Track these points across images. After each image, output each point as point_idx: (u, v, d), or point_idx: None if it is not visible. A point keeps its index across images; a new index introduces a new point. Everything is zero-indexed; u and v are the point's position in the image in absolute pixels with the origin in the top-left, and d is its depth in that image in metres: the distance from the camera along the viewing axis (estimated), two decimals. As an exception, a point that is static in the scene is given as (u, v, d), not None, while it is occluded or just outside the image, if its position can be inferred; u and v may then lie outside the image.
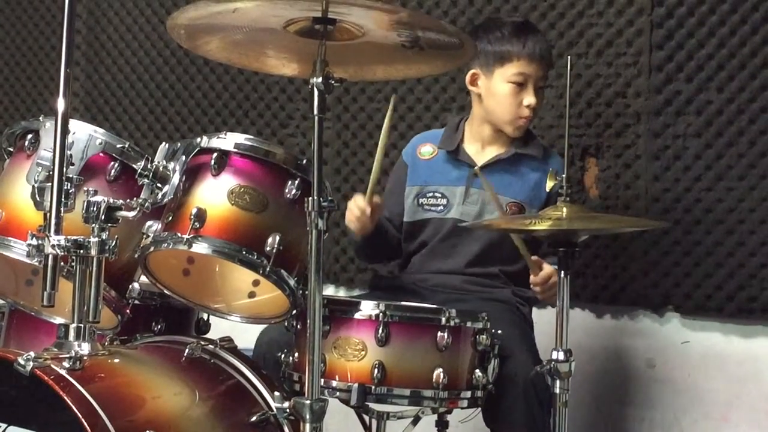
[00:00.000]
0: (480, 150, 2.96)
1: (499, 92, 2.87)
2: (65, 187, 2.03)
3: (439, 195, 2.93)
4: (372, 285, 3.10)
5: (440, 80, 3.46)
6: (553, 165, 2.90)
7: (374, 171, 2.70)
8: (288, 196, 2.25)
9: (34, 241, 2.03)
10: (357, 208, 2.74)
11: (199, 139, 2.29)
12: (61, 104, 2.03)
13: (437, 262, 2.92)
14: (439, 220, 2.92)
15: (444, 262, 2.91)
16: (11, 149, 2.39)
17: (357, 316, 2.29)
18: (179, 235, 2.20)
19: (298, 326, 2.37)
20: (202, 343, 2.35)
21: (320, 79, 2.02)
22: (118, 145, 2.29)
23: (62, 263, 2.04)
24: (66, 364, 1.95)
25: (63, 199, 2.02)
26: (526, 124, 2.89)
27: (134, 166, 2.26)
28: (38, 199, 2.08)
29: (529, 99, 2.85)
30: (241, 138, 2.28)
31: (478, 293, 2.85)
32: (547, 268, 2.65)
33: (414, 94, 3.53)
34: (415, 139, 3.12)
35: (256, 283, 2.40)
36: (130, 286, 2.35)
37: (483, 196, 2.88)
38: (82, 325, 2.08)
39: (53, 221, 2.01)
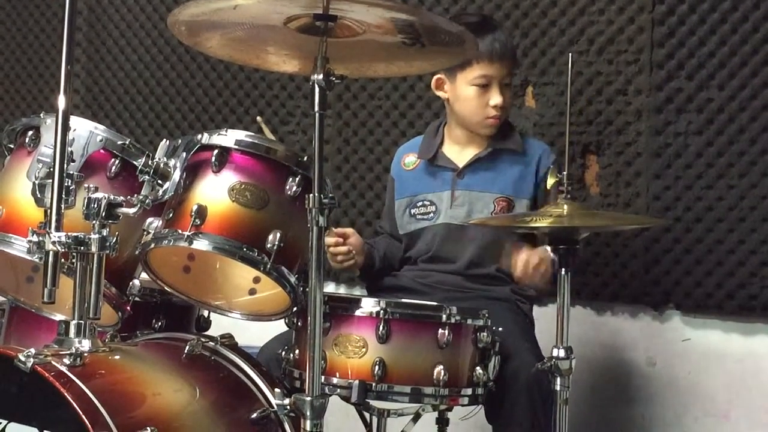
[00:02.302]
0: (460, 152, 2.95)
1: (464, 95, 2.86)
2: (66, 184, 2.03)
3: (428, 203, 2.93)
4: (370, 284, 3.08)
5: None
6: (534, 153, 2.91)
7: None
8: (289, 193, 2.25)
9: (35, 238, 2.03)
10: (328, 246, 2.75)
11: (199, 136, 2.28)
12: (62, 101, 2.03)
13: (437, 265, 2.91)
14: (432, 227, 2.92)
15: (445, 266, 2.90)
16: (12, 146, 2.39)
17: (358, 313, 2.29)
18: (180, 231, 2.20)
19: (299, 323, 2.36)
20: (203, 340, 2.35)
21: (321, 76, 2.02)
22: (119, 142, 2.29)
23: (63, 260, 2.04)
24: (66, 360, 1.96)
25: (63, 196, 2.02)
26: (495, 124, 2.87)
27: (135, 162, 2.25)
28: (39, 195, 2.08)
29: (495, 99, 2.83)
30: (241, 135, 2.27)
31: (478, 291, 2.85)
32: (522, 256, 2.70)
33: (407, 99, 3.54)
34: (399, 150, 3.12)
35: (256, 280, 2.40)
36: (131, 283, 2.35)
37: (470, 197, 2.89)
38: (82, 321, 2.08)
39: (54, 218, 2.01)
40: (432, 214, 2.92)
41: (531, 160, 2.90)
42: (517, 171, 2.90)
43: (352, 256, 2.81)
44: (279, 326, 2.50)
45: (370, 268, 2.93)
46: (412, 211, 2.95)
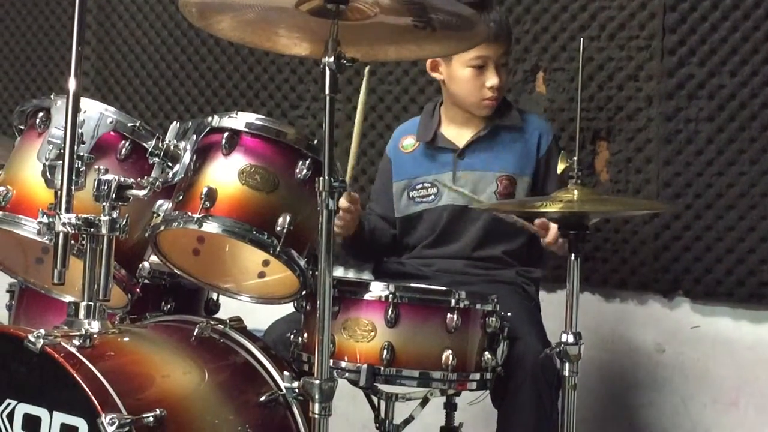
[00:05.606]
0: (458, 132, 2.94)
1: (460, 77, 2.85)
2: (76, 166, 2.03)
3: (428, 185, 2.92)
4: (375, 271, 3.07)
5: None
6: (533, 129, 2.90)
7: (351, 158, 2.65)
8: (299, 176, 2.25)
9: (45, 219, 2.03)
10: (341, 208, 2.67)
11: (210, 119, 2.28)
12: (72, 83, 2.03)
13: (443, 248, 2.91)
14: (433, 210, 2.91)
15: (449, 248, 2.90)
16: (22, 127, 2.39)
17: (367, 297, 2.29)
18: (190, 214, 2.20)
19: (308, 307, 2.37)
20: (212, 322, 2.36)
21: (332, 59, 2.01)
22: (129, 124, 2.29)
23: (73, 241, 2.04)
24: (76, 342, 1.96)
25: (74, 178, 2.02)
26: (492, 105, 2.86)
27: (145, 144, 2.25)
28: (49, 177, 2.08)
29: (492, 80, 2.81)
30: (252, 117, 2.27)
31: (483, 276, 2.84)
32: (553, 226, 2.60)
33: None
34: (397, 131, 3.10)
35: (266, 263, 2.40)
36: (141, 265, 2.36)
37: (472, 176, 2.88)
38: (92, 303, 2.09)
39: (64, 199, 2.01)
40: (433, 197, 2.91)
41: (531, 136, 2.90)
42: (518, 148, 2.89)
43: (350, 225, 2.75)
44: (287, 309, 2.50)
45: (355, 238, 2.84)
46: (411, 193, 2.94)
